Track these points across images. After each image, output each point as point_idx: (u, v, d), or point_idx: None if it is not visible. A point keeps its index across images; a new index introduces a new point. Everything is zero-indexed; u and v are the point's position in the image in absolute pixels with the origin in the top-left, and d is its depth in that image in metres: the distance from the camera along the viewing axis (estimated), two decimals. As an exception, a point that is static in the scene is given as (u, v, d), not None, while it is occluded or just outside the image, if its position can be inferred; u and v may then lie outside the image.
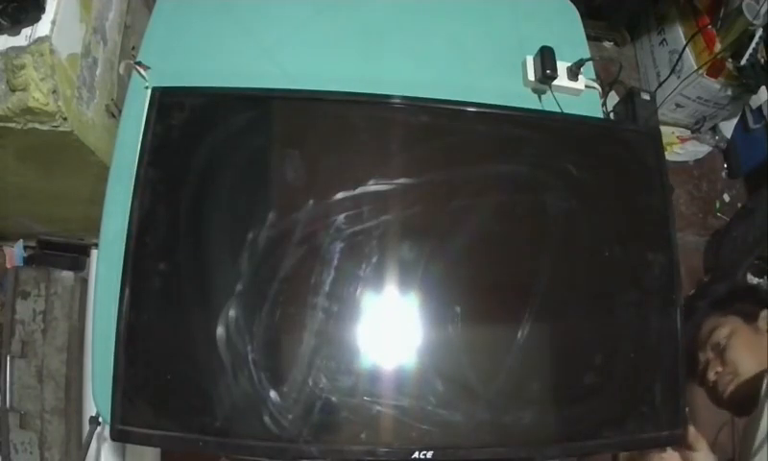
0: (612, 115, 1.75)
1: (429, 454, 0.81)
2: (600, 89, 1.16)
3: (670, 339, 0.92)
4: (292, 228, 0.86)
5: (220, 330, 0.82)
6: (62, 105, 1.04)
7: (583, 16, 1.24)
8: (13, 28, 0.98)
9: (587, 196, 0.95)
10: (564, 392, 0.89)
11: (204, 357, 0.81)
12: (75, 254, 1.37)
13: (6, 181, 1.27)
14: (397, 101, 0.94)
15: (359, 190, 0.89)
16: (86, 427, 0.93)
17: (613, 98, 2.10)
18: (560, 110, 1.07)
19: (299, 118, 0.94)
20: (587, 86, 1.12)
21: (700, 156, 2.31)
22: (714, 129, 2.31)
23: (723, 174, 2.32)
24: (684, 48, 2.03)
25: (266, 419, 0.80)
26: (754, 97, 2.03)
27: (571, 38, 1.19)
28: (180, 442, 0.81)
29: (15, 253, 1.52)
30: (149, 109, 0.90)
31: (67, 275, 1.26)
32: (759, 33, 1.80)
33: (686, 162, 2.31)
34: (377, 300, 0.86)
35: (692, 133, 2.29)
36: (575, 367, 0.90)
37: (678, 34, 2.09)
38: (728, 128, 2.28)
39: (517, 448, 0.85)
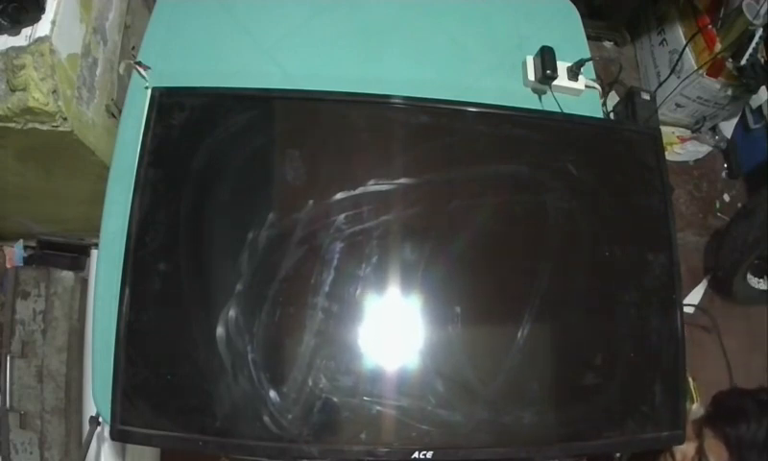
0: (612, 115, 1.75)
1: (429, 454, 0.81)
2: (600, 89, 1.16)
3: (670, 339, 0.92)
4: (292, 228, 0.86)
5: (220, 330, 0.82)
6: (62, 105, 1.04)
7: (583, 16, 1.24)
8: (13, 28, 0.98)
9: (587, 196, 0.95)
10: (564, 392, 0.89)
11: (204, 357, 0.81)
12: (75, 254, 1.37)
13: (6, 181, 1.27)
14: (398, 101, 0.94)
15: (359, 190, 0.89)
16: (86, 427, 0.93)
17: (613, 98, 2.10)
18: (560, 110, 1.07)
19: (298, 118, 0.94)
20: (587, 86, 1.12)
21: (700, 156, 2.31)
22: (714, 129, 2.31)
23: (723, 174, 2.32)
24: (684, 48, 2.03)
25: (266, 419, 0.80)
26: (754, 97, 2.03)
27: (571, 38, 1.19)
28: (180, 442, 0.81)
29: (15, 253, 1.52)
30: (149, 109, 0.90)
31: (67, 275, 1.26)
32: (759, 33, 1.80)
33: (686, 162, 2.31)
34: (377, 300, 0.86)
35: (692, 132, 2.29)
36: (575, 367, 0.90)
37: (678, 34, 2.09)
38: (728, 128, 2.28)
39: (517, 449, 0.85)
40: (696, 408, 1.17)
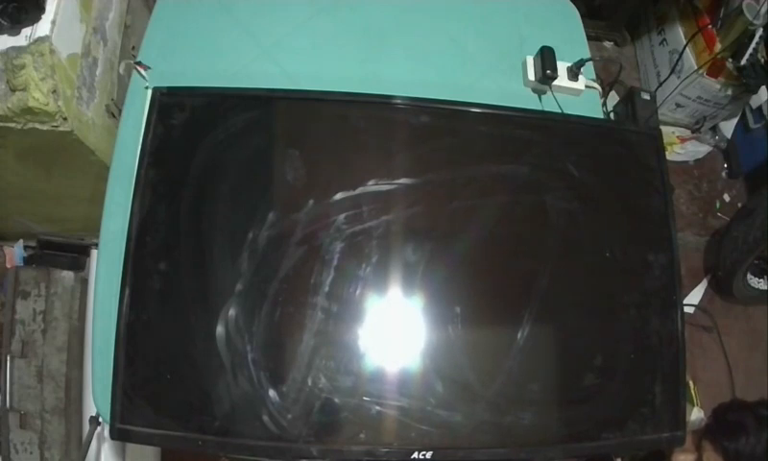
0: (612, 115, 1.75)
1: (429, 455, 0.81)
2: (600, 89, 1.16)
3: (670, 339, 0.92)
4: (292, 228, 0.86)
5: (220, 330, 0.82)
6: (62, 105, 1.04)
7: (583, 16, 1.24)
8: (13, 28, 0.98)
9: (587, 196, 0.95)
10: (564, 393, 0.89)
11: (203, 357, 0.81)
12: (75, 254, 1.36)
13: (6, 180, 1.27)
14: (398, 101, 0.94)
15: (359, 190, 0.89)
16: (86, 427, 0.93)
17: (613, 98, 2.10)
18: (560, 111, 1.07)
19: (299, 118, 0.94)
20: (587, 87, 1.12)
21: (700, 156, 2.31)
22: (714, 129, 2.31)
23: (723, 174, 2.32)
24: (684, 48, 2.03)
25: (266, 419, 0.80)
26: (754, 97, 2.03)
27: (571, 38, 1.19)
28: (179, 441, 0.81)
29: (15, 253, 1.52)
30: (149, 109, 0.90)
31: (67, 275, 1.26)
32: (759, 33, 1.80)
33: (686, 162, 2.31)
34: (377, 300, 0.86)
35: (692, 132, 2.29)
36: (575, 368, 0.90)
37: (678, 34, 2.09)
38: (728, 128, 2.28)
39: (517, 450, 0.85)
40: (696, 413, 1.17)
